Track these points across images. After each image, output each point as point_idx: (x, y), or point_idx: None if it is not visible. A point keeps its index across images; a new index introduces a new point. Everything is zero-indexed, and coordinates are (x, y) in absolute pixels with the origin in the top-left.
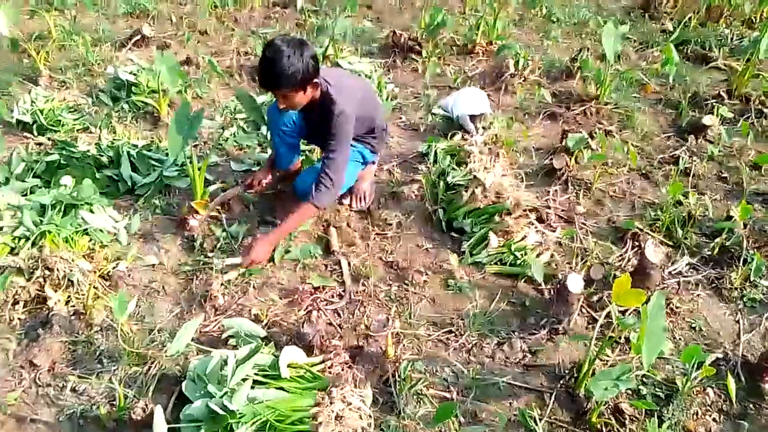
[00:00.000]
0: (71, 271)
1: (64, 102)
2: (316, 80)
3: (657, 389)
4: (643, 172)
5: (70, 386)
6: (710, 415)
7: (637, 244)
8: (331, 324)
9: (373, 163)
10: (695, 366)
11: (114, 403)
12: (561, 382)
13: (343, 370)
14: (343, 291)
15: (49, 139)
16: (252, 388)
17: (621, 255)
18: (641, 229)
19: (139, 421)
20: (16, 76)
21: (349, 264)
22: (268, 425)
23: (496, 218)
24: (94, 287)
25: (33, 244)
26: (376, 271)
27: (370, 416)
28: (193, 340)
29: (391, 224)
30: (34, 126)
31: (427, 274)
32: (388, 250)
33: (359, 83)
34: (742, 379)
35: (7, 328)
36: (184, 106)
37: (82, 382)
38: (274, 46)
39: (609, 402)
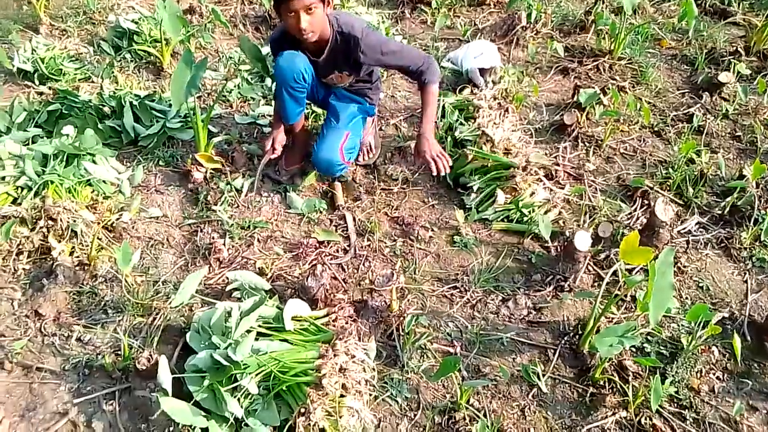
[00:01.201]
0: (74, 221)
1: (65, 51)
2: None
3: (662, 347)
4: (656, 129)
5: (75, 336)
6: (714, 374)
7: (646, 202)
8: (335, 278)
9: (373, 115)
10: (701, 325)
11: (119, 353)
12: (565, 338)
13: (347, 323)
14: (348, 246)
15: (50, 88)
16: (256, 339)
17: (630, 213)
18: (651, 187)
19: (144, 371)
20: (16, 24)
21: (354, 219)
22: (272, 376)
23: (505, 174)
24: (97, 238)
25: (36, 194)
26: (381, 227)
27: (373, 369)
28: (197, 292)
29: (396, 180)
30: (36, 75)
31: (432, 230)
32: (394, 206)
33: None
34: (748, 338)
35: (12, 278)
36: (186, 55)
37: (87, 332)
38: None
39: (612, 359)
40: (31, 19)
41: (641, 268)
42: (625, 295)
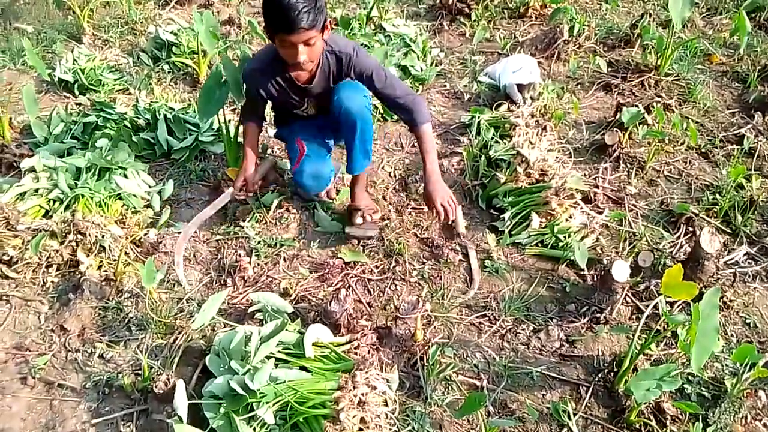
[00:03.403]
0: (103, 236)
1: (105, 61)
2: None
3: (703, 388)
4: (703, 151)
5: (98, 353)
6: (760, 420)
7: (691, 229)
8: (360, 301)
9: None
10: (747, 366)
11: (139, 372)
12: (599, 375)
13: (369, 352)
14: (470, 283)
15: (88, 99)
16: (276, 366)
17: (673, 241)
18: (696, 214)
19: (161, 395)
20: (61, 34)
21: (382, 239)
22: (289, 406)
23: (539, 198)
24: (125, 253)
25: (66, 208)
26: (409, 248)
27: (395, 401)
28: (220, 312)
29: None
30: (75, 85)
31: (462, 254)
32: (423, 226)
33: None
34: None
35: (41, 291)
36: (217, 71)
37: (109, 350)
38: None
39: (650, 400)
40: (75, 29)
41: (684, 303)
42: (665, 328)
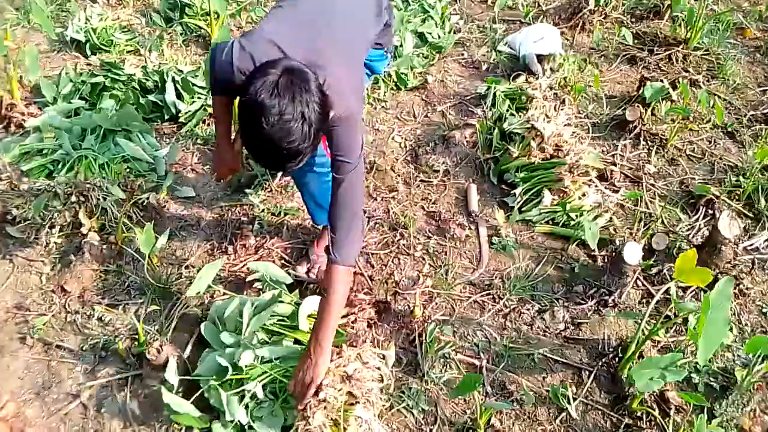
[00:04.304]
0: (105, 199)
1: (117, 21)
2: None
3: (711, 379)
4: (729, 130)
5: (96, 315)
6: None
7: (710, 212)
8: (361, 274)
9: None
10: (760, 358)
11: (136, 337)
12: (603, 360)
13: (365, 327)
14: (479, 261)
15: (98, 59)
16: (269, 338)
17: (690, 224)
18: (717, 196)
19: (154, 361)
20: None
21: (388, 211)
22: (278, 381)
23: (552, 174)
24: (128, 217)
25: (70, 169)
26: (416, 222)
27: (390, 377)
28: (220, 280)
29: (437, 171)
30: (87, 45)
31: (470, 229)
32: (431, 199)
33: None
34: None
35: (44, 251)
36: (222, 34)
37: (108, 313)
38: (271, 116)
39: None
40: None
41: (699, 289)
42: (676, 315)
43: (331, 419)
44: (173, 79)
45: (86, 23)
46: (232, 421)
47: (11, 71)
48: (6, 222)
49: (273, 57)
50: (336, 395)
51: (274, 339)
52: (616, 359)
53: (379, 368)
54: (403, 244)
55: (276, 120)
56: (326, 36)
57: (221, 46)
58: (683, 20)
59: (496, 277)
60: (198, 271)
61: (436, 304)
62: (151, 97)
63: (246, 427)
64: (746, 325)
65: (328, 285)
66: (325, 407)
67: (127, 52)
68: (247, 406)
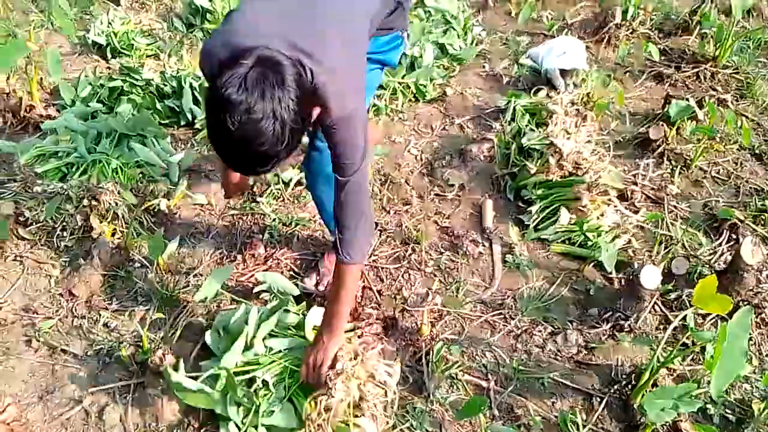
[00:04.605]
0: (117, 203)
1: (139, 25)
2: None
3: (728, 410)
4: (757, 152)
5: (102, 321)
6: None
7: (734, 237)
8: (369, 288)
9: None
10: None
11: (140, 344)
12: (615, 387)
13: (372, 341)
14: (491, 280)
15: (118, 63)
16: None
17: (713, 249)
18: (742, 221)
19: (156, 369)
20: None
21: (401, 224)
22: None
23: (570, 192)
24: (138, 222)
25: (83, 173)
26: (428, 236)
27: (395, 393)
28: (227, 288)
29: (453, 185)
30: (108, 48)
31: (483, 246)
32: (445, 214)
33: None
34: None
35: (54, 255)
36: None
37: (114, 319)
38: (237, 114)
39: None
40: None
41: (719, 317)
42: (693, 343)
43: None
44: (191, 85)
45: (108, 26)
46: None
47: (32, 72)
48: (18, 223)
49: (246, 45)
50: (352, 366)
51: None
52: (629, 386)
53: (385, 382)
54: (415, 259)
55: (243, 118)
56: (318, 19)
57: (207, 43)
58: (712, 37)
59: (508, 296)
60: (206, 279)
61: (446, 322)
62: (168, 102)
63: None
64: (767, 356)
65: (337, 282)
66: (344, 380)
67: (147, 56)
68: (256, 392)
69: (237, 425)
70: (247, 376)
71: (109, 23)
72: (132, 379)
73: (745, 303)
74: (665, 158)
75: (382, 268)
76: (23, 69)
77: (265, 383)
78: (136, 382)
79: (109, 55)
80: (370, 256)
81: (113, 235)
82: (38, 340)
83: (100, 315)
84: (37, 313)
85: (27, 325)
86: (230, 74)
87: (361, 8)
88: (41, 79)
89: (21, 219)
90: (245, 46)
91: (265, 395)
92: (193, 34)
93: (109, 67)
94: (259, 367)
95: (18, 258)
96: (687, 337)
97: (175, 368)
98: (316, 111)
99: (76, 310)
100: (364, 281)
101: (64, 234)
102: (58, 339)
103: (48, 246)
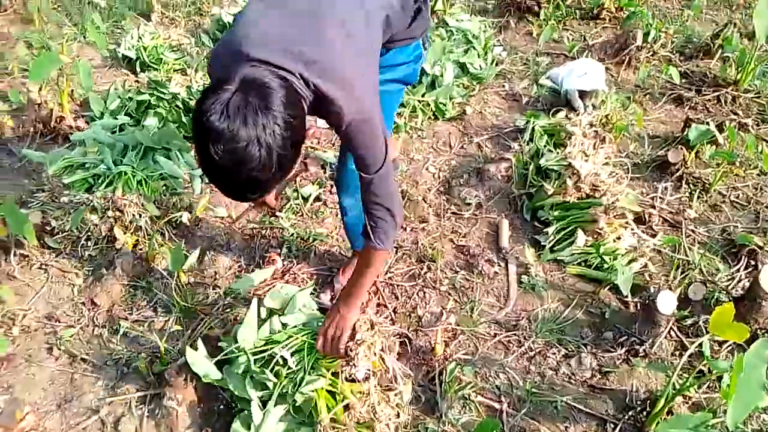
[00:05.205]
0: (140, 215)
1: (168, 40)
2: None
3: None
4: None
5: (122, 331)
6: None
7: (752, 263)
8: (385, 306)
9: (412, 82)
10: None
11: (158, 355)
12: (630, 413)
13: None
14: (506, 300)
15: (147, 77)
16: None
17: (731, 275)
18: (761, 247)
19: (174, 382)
20: (131, 10)
21: (417, 242)
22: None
23: (587, 214)
24: (160, 233)
25: (109, 184)
26: (443, 255)
27: (407, 412)
28: (244, 301)
29: (470, 204)
30: (137, 62)
31: (499, 265)
32: (462, 233)
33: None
34: None
35: (78, 263)
36: None
37: (133, 329)
38: (219, 143)
39: None
40: (145, 6)
41: (736, 344)
42: (709, 370)
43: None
44: None
45: (138, 41)
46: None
47: (63, 85)
48: (45, 232)
49: (248, 52)
50: (371, 335)
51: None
52: (644, 413)
53: (397, 405)
54: (430, 278)
55: (226, 147)
56: (326, 22)
57: (214, 49)
58: (734, 61)
59: (522, 317)
60: (224, 293)
61: (459, 341)
62: None
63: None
64: None
65: (365, 262)
66: (365, 349)
67: (175, 70)
68: (278, 373)
69: (259, 405)
70: (265, 354)
71: (140, 38)
72: (149, 389)
73: (763, 331)
74: (684, 182)
75: (398, 285)
76: (55, 80)
77: (284, 360)
78: (152, 393)
79: (138, 69)
80: (386, 273)
81: (135, 246)
82: (59, 348)
83: (120, 325)
84: (60, 322)
85: (49, 333)
86: (213, 100)
87: (374, 6)
88: (72, 91)
89: (47, 228)
90: (247, 52)
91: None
92: None
93: (137, 81)
94: (276, 345)
95: (43, 266)
96: (703, 365)
97: (194, 347)
98: (312, 130)
99: (97, 319)
100: (379, 298)
101: (88, 244)
102: (79, 348)
103: (72, 255)
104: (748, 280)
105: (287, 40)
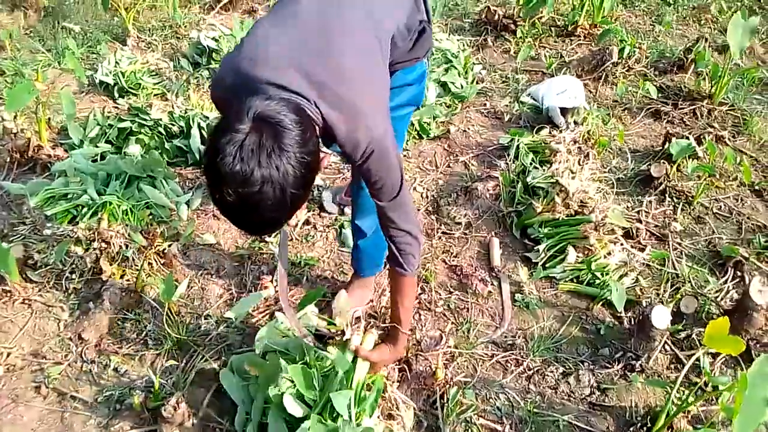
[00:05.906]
0: (127, 246)
1: (146, 65)
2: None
3: None
4: (757, 188)
5: (113, 366)
6: None
7: (739, 275)
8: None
9: (418, 106)
10: None
11: (152, 390)
12: (631, 429)
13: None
14: (501, 320)
15: (126, 103)
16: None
17: (719, 286)
18: (746, 258)
19: (169, 418)
20: (106, 35)
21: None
22: None
23: (577, 231)
24: (148, 264)
25: (93, 215)
26: (436, 276)
27: None
28: (237, 332)
29: (459, 223)
30: (115, 88)
31: (492, 284)
32: (453, 252)
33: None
34: None
35: (63, 297)
36: None
37: (124, 364)
38: (233, 186)
39: None
40: (120, 31)
41: (729, 355)
42: (706, 384)
43: None
44: (198, 125)
45: (116, 66)
46: None
47: (41, 113)
48: (27, 266)
49: (259, 76)
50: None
51: None
52: (645, 429)
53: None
54: (424, 299)
55: (240, 190)
56: (335, 44)
57: (218, 72)
58: (708, 75)
59: (519, 336)
60: (216, 322)
61: (458, 363)
62: (176, 142)
63: None
64: None
65: (399, 293)
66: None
67: (154, 95)
68: None
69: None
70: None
71: (117, 63)
72: (144, 426)
73: (755, 342)
74: (667, 195)
75: None
76: (31, 108)
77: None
78: (148, 430)
79: (116, 95)
80: (380, 296)
81: (122, 277)
82: (47, 387)
83: (110, 359)
84: (46, 358)
85: (36, 371)
86: (226, 140)
87: (382, 26)
88: (49, 118)
89: (30, 262)
90: (259, 76)
91: None
92: (199, 74)
93: (116, 107)
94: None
95: (26, 301)
96: (699, 377)
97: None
98: (325, 162)
99: (85, 354)
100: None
101: (73, 277)
102: (68, 385)
103: (57, 289)
104: (737, 292)
105: (295, 61)
